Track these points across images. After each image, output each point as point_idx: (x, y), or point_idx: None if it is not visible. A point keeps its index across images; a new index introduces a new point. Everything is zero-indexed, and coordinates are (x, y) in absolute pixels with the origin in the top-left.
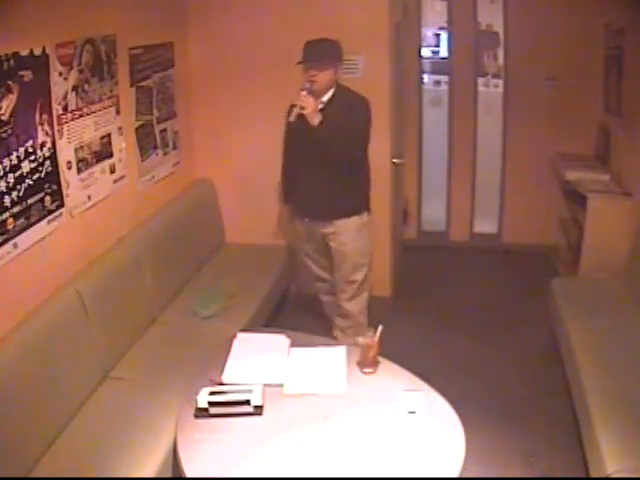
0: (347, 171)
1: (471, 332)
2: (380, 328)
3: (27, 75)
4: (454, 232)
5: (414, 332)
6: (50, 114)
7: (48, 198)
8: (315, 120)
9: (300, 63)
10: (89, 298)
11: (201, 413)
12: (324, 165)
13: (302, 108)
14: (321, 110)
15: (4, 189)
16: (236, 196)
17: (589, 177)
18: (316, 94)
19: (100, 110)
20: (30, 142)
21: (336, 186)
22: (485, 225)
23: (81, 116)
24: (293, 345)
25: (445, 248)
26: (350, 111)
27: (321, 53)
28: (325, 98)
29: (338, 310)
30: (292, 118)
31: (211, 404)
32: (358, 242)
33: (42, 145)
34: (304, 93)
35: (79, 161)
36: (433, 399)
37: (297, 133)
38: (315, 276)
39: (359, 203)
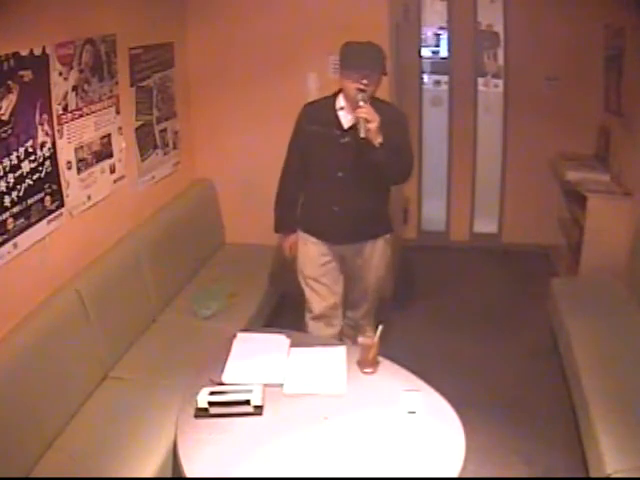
0: (381, 191)
1: (471, 332)
2: (380, 328)
3: (27, 75)
4: (454, 232)
5: (414, 332)
6: (50, 114)
7: (48, 198)
8: (378, 138)
9: (350, 69)
10: (89, 298)
11: (201, 413)
12: (363, 185)
13: (367, 121)
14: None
15: (4, 189)
16: (236, 196)
17: (589, 177)
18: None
19: (100, 110)
20: (30, 142)
21: (369, 207)
22: (485, 225)
23: (81, 116)
24: (293, 345)
25: (445, 248)
26: (394, 124)
27: (374, 59)
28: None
29: (349, 322)
30: (362, 134)
31: (211, 404)
32: (381, 263)
33: (42, 145)
34: (362, 103)
35: (79, 161)
36: (433, 399)
37: (330, 147)
38: (311, 310)
39: (387, 222)
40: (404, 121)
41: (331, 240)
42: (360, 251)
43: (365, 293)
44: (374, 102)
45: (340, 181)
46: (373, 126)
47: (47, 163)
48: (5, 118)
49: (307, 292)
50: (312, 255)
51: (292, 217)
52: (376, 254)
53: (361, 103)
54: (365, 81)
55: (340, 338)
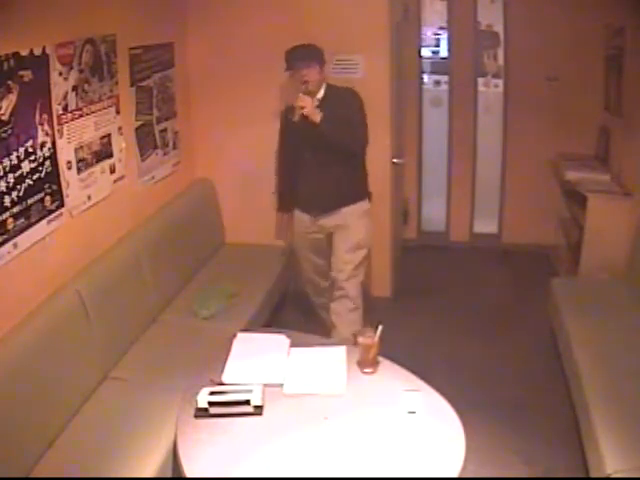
0: (350, 161)
1: (471, 332)
2: (380, 328)
3: (27, 75)
4: (454, 232)
5: (414, 332)
6: (50, 114)
7: (48, 198)
8: (317, 117)
9: (289, 69)
10: (89, 298)
11: (201, 413)
12: (329, 159)
13: (302, 107)
14: (318, 107)
15: (4, 189)
16: (236, 196)
17: (589, 177)
18: (311, 94)
19: (100, 110)
20: (30, 142)
21: (341, 176)
22: (485, 225)
23: (81, 116)
24: (293, 345)
25: (445, 248)
26: (345, 103)
27: (307, 54)
28: (319, 96)
29: (335, 293)
30: (296, 118)
31: (211, 404)
32: (360, 226)
33: (42, 145)
34: (301, 94)
35: (79, 161)
36: (433, 399)
37: (298, 134)
38: (306, 277)
39: (362, 190)
40: (355, 100)
41: (312, 212)
42: (339, 217)
43: (344, 253)
44: (332, 89)
45: (310, 160)
46: (306, 110)
47: (47, 163)
48: (5, 118)
49: (304, 268)
50: (300, 227)
51: (287, 197)
52: (354, 215)
53: (300, 94)
54: (304, 72)
55: (329, 319)
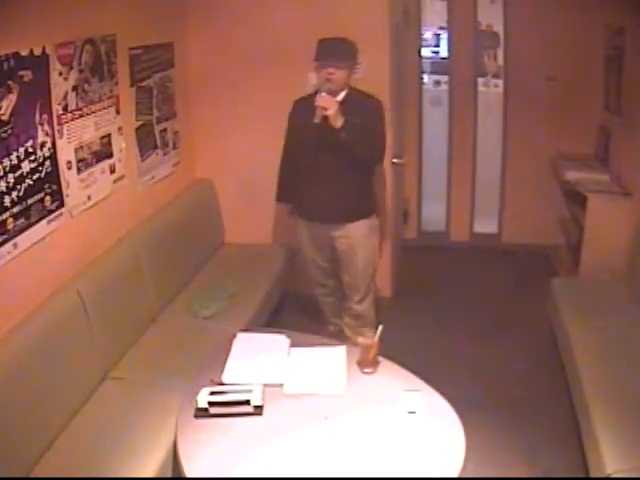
0: (361, 173)
1: (471, 332)
2: (380, 328)
3: (27, 75)
4: (454, 232)
5: (414, 332)
6: (50, 114)
7: (48, 198)
8: (338, 122)
9: (318, 60)
10: (89, 298)
11: (201, 413)
12: (340, 167)
13: (324, 109)
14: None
15: (4, 189)
16: (236, 196)
17: (589, 177)
18: (332, 94)
19: (100, 110)
20: (30, 142)
21: (350, 189)
22: (485, 225)
23: (81, 116)
24: (293, 345)
25: (445, 248)
26: (366, 111)
27: (340, 51)
28: (339, 98)
29: (348, 311)
30: (317, 119)
31: (211, 404)
32: (367, 246)
33: (42, 145)
34: (324, 94)
35: (79, 161)
36: (433, 399)
37: (309, 134)
38: (315, 281)
39: (370, 206)
40: (378, 109)
41: (317, 220)
42: (345, 232)
43: (356, 277)
44: (354, 93)
45: (320, 166)
46: (329, 113)
47: (47, 163)
48: (5, 118)
49: (312, 273)
50: (304, 235)
51: (290, 200)
52: (361, 236)
53: (323, 93)
54: (331, 70)
55: (342, 331)
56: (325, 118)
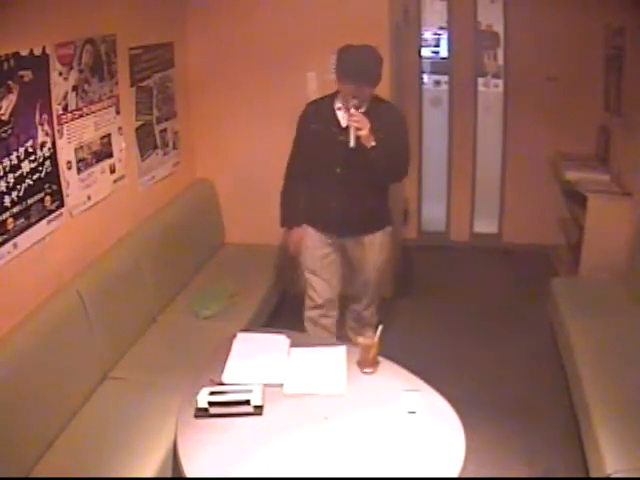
0: (380, 186)
1: (471, 332)
2: (380, 328)
3: (27, 75)
4: (454, 232)
5: (414, 332)
6: (50, 114)
7: (48, 198)
8: (370, 142)
9: (346, 82)
10: (89, 298)
11: (201, 413)
12: (361, 181)
13: (358, 129)
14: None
15: (4, 189)
16: (236, 196)
17: (589, 177)
18: (356, 109)
19: (100, 110)
20: (30, 142)
21: (368, 202)
22: (485, 225)
23: (81, 116)
24: (293, 345)
25: (445, 248)
26: (390, 124)
27: (373, 69)
28: (362, 110)
29: (353, 314)
30: (352, 143)
31: (211, 404)
32: (381, 255)
33: (42, 145)
34: (353, 111)
35: (79, 161)
36: (433, 399)
37: (333, 149)
38: (311, 299)
39: (386, 217)
40: (402, 121)
41: (331, 233)
42: (359, 243)
43: (366, 285)
44: (373, 102)
45: (338, 177)
46: (363, 133)
47: (47, 163)
48: (5, 118)
49: (307, 284)
50: (313, 247)
51: (297, 212)
52: (375, 246)
53: (352, 110)
54: (364, 89)
55: (345, 332)
56: (358, 138)
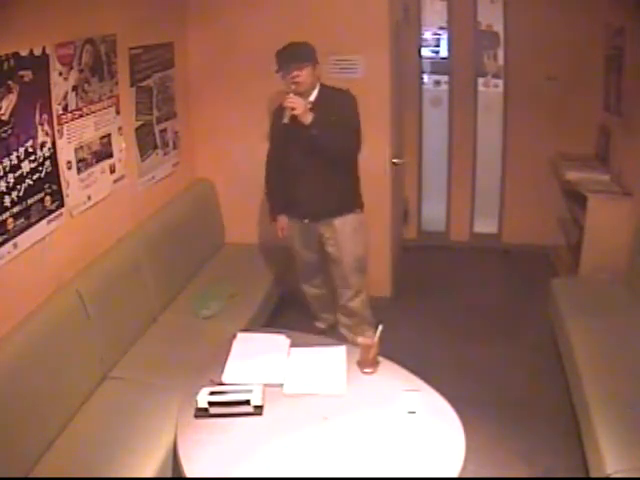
0: (341, 167)
1: (471, 332)
2: (380, 328)
3: (27, 75)
4: (454, 232)
5: (414, 332)
6: (50, 114)
7: (48, 198)
8: (308, 119)
9: (279, 70)
10: (89, 298)
11: (201, 413)
12: (318, 164)
13: (293, 109)
14: (310, 110)
15: (4, 189)
16: (236, 196)
17: (589, 177)
18: (302, 95)
19: (100, 110)
20: (30, 142)
21: (331, 183)
22: (485, 225)
23: (81, 116)
24: (293, 345)
25: (445, 248)
26: (339, 106)
27: (297, 54)
28: (312, 98)
29: (342, 309)
30: (286, 120)
31: (211, 404)
32: (355, 240)
33: (42, 145)
34: (291, 95)
35: (79, 161)
36: (433, 399)
37: (288, 135)
38: (302, 276)
39: (354, 200)
40: (352, 105)
41: (302, 217)
42: (331, 226)
43: (345, 272)
44: (326, 90)
45: (300, 164)
46: (297, 112)
47: (47, 163)
48: (5, 118)
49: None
50: (293, 232)
51: (277, 201)
52: (347, 230)
53: (290, 94)
54: (294, 73)
55: (332, 326)
56: (294, 117)
